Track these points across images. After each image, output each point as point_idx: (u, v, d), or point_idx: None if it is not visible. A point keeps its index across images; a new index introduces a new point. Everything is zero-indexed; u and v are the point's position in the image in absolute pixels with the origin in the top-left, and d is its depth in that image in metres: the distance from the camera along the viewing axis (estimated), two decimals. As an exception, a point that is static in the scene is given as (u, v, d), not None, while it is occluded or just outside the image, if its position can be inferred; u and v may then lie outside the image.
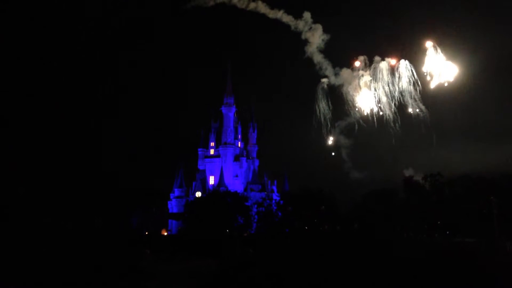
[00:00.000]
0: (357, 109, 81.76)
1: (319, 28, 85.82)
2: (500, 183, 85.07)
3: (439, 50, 72.08)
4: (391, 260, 46.58)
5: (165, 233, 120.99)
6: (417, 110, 78.23)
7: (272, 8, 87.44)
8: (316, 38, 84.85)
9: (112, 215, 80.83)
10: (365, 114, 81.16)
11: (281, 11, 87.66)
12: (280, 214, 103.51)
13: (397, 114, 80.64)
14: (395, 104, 78.87)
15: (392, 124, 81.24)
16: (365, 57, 79.39)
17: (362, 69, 78.94)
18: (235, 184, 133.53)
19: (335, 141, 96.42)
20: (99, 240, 61.03)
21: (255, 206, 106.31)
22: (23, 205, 56.45)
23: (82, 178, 65.16)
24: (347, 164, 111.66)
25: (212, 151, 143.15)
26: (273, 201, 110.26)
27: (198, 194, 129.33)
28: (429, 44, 72.73)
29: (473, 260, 48.34)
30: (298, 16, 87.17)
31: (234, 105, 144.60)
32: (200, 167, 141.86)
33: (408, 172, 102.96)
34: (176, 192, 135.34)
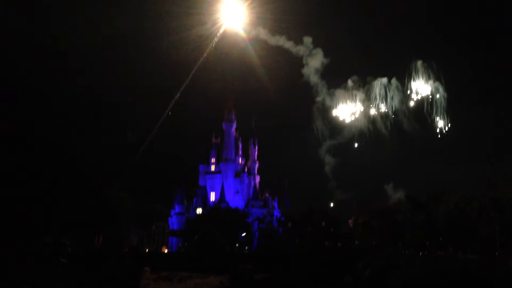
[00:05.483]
0: (351, 128, 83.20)
1: (319, 52, 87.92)
2: (501, 200, 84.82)
3: (429, 70, 73.55)
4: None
5: (166, 250, 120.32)
6: (411, 127, 79.38)
7: (273, 34, 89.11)
8: (316, 62, 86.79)
9: (112, 233, 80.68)
10: (360, 132, 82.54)
11: (283, 37, 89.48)
12: (281, 230, 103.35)
13: (392, 132, 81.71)
14: (390, 123, 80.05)
15: (387, 141, 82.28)
16: (359, 77, 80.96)
17: (356, 89, 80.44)
18: (236, 200, 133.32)
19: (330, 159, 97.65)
20: (98, 258, 60.91)
21: (256, 222, 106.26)
22: (24, 222, 56.46)
23: (81, 195, 65.01)
24: (342, 182, 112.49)
25: (213, 167, 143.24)
26: (274, 217, 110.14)
27: (199, 210, 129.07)
28: (419, 63, 74.43)
29: (474, 278, 48.12)
30: (299, 41, 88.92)
31: (235, 121, 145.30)
32: (201, 183, 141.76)
33: (389, 188, 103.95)
34: (177, 208, 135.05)
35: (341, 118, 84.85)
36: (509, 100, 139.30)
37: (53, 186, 55.89)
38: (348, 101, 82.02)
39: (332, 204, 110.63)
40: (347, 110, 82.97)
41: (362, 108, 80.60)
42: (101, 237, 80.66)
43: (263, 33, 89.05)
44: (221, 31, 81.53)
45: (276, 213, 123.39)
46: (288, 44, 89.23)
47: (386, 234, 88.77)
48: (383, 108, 79.38)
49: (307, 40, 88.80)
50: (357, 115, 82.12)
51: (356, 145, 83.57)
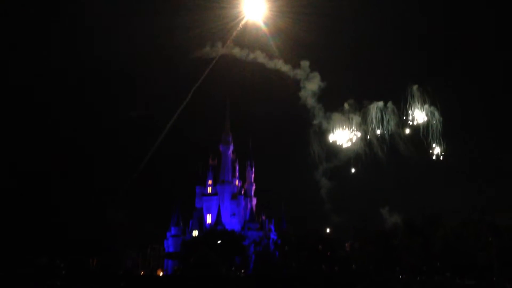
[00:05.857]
0: (348, 151, 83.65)
1: (316, 76, 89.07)
2: (499, 225, 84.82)
3: (425, 95, 74.61)
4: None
5: (161, 273, 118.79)
6: (407, 151, 79.99)
7: (271, 58, 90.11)
8: (313, 85, 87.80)
9: (107, 256, 79.92)
10: (356, 155, 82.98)
11: (280, 61, 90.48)
12: (277, 253, 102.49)
13: (388, 155, 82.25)
14: (386, 146, 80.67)
15: (383, 164, 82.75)
16: (355, 101, 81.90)
17: (352, 112, 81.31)
18: (233, 223, 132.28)
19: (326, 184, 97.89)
20: (93, 281, 60.14)
21: (253, 245, 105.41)
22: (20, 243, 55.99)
23: (76, 218, 64.70)
24: (337, 205, 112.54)
25: (209, 189, 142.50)
26: (271, 239, 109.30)
27: (195, 233, 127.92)
28: (415, 88, 75.49)
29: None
30: (296, 65, 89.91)
31: (232, 143, 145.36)
32: (197, 205, 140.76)
33: (384, 211, 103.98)
34: (173, 230, 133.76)
35: (337, 143, 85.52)
36: (506, 126, 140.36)
37: (50, 207, 55.72)
38: (344, 125, 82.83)
39: (328, 229, 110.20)
40: (344, 136, 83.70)
41: (358, 134, 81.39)
42: (95, 260, 79.87)
43: (261, 57, 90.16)
44: (241, 24, 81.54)
45: (273, 235, 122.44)
46: (286, 68, 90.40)
47: (383, 258, 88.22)
48: (379, 131, 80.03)
49: (304, 64, 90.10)
50: (353, 141, 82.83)
51: (353, 170, 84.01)
